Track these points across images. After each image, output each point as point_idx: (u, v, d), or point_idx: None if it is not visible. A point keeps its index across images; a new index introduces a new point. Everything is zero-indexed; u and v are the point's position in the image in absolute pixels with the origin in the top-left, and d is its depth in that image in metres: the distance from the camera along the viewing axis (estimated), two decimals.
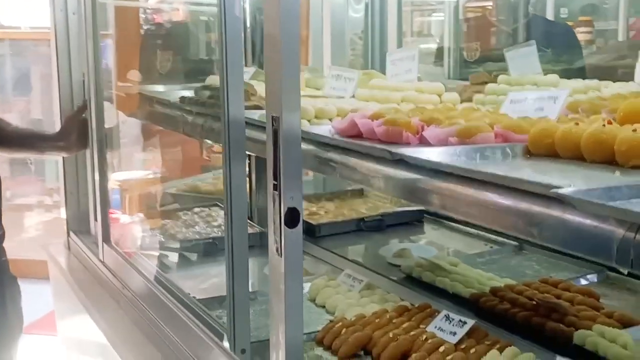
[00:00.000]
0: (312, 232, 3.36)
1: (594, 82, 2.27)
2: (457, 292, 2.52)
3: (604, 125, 1.40)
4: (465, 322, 2.13)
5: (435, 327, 2.19)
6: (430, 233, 3.38)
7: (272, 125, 1.52)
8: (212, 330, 2.16)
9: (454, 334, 2.13)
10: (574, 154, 1.44)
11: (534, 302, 2.33)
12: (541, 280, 2.58)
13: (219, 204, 3.84)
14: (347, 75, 2.48)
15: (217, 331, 2.15)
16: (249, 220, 3.52)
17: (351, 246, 3.34)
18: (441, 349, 2.05)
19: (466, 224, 3.43)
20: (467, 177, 1.30)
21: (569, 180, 1.19)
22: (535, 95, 1.75)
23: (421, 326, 2.22)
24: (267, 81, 1.54)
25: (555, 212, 1.17)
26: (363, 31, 4.02)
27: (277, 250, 1.57)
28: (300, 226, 1.56)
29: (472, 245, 3.21)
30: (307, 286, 2.67)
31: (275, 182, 1.53)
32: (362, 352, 2.15)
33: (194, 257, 3.14)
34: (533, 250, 3.01)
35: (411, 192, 1.43)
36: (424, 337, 2.12)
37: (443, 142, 1.60)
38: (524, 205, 1.21)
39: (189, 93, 3.20)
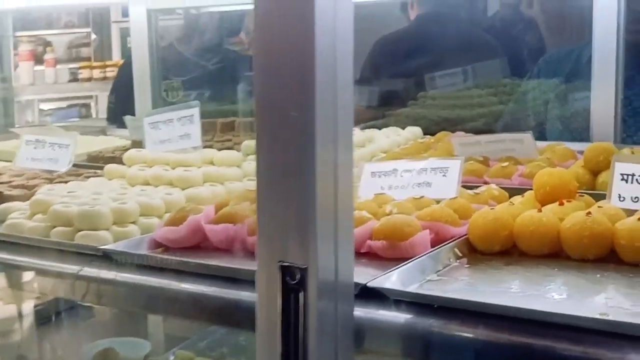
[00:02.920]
0: None
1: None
2: None
3: (588, 214, 1.14)
4: None
5: None
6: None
7: (287, 277, 0.87)
8: None
9: None
10: (550, 249, 1.15)
11: None
12: None
13: None
14: (54, 141, 1.80)
15: None
16: None
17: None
18: None
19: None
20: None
21: None
22: (413, 166, 1.39)
23: None
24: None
25: None
26: None
27: None
28: None
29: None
30: None
31: None
32: None
33: None
34: None
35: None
36: None
37: (362, 246, 1.18)
38: None
39: None
